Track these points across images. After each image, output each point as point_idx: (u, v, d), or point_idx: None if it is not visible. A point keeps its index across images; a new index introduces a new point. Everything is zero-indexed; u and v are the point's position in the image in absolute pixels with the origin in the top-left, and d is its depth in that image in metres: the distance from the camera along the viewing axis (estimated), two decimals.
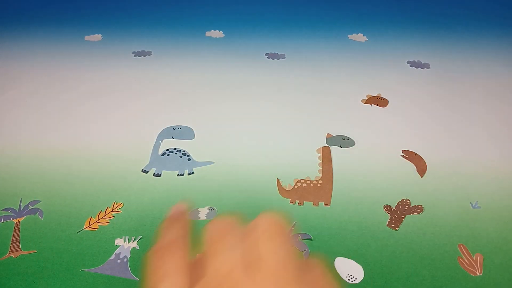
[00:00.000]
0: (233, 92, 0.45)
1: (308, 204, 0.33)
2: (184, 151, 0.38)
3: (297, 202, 0.33)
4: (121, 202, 0.33)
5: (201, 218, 0.32)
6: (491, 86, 0.46)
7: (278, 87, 0.45)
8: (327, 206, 0.33)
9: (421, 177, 0.35)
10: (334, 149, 0.38)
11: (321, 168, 0.36)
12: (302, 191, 0.34)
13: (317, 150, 0.37)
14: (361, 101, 0.43)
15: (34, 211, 0.32)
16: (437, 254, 0.30)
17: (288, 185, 0.35)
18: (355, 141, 0.38)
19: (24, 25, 0.56)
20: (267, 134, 0.40)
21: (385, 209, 0.33)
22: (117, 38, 0.54)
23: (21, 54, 0.51)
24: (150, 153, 0.38)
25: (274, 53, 0.51)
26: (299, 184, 0.35)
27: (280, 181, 0.35)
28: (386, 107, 0.43)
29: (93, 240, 0.30)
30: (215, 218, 0.20)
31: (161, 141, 0.39)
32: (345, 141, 0.38)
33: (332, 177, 0.35)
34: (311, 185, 0.34)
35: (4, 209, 0.33)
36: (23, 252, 0.30)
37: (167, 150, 0.38)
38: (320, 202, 0.33)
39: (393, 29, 0.55)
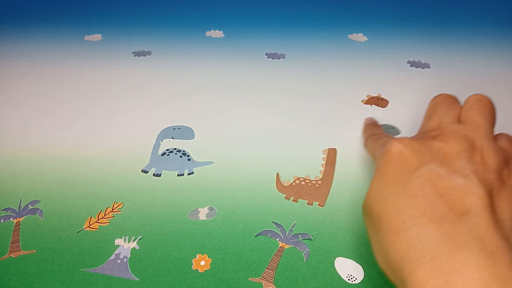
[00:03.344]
0: (233, 92, 0.45)
1: (305, 203, 0.33)
2: (184, 151, 0.38)
3: (292, 198, 0.33)
4: (121, 202, 0.33)
5: (201, 218, 0.32)
6: (491, 86, 0.46)
7: (278, 87, 0.45)
8: (321, 207, 0.33)
9: None
10: (338, 150, 0.38)
11: (323, 169, 0.36)
12: (298, 189, 0.34)
13: (323, 151, 0.37)
14: (361, 101, 0.43)
15: (34, 211, 0.33)
16: None
17: (286, 180, 0.35)
18: (400, 130, 0.39)
19: (23, 25, 0.56)
20: (267, 134, 0.40)
21: None
22: (117, 38, 0.54)
23: (20, 54, 0.51)
24: (150, 153, 0.38)
25: (274, 53, 0.51)
26: (297, 181, 0.35)
27: (279, 176, 0.35)
28: (386, 107, 0.43)
29: (93, 240, 0.30)
30: (441, 94, 0.30)
31: (161, 141, 0.39)
32: (390, 130, 0.38)
33: (331, 180, 0.35)
34: (309, 184, 0.35)
35: (4, 209, 0.33)
36: (23, 252, 0.30)
37: (167, 150, 0.38)
38: (314, 202, 0.33)
39: (393, 29, 0.55)
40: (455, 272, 0.18)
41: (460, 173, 0.21)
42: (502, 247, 0.18)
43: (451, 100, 0.28)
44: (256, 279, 0.28)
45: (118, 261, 0.29)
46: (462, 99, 0.47)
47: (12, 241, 0.30)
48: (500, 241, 0.18)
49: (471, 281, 0.17)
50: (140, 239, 0.31)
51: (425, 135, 0.25)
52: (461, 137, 0.23)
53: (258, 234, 0.31)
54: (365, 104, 0.43)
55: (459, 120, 0.26)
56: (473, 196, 0.20)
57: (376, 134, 0.33)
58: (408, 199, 0.21)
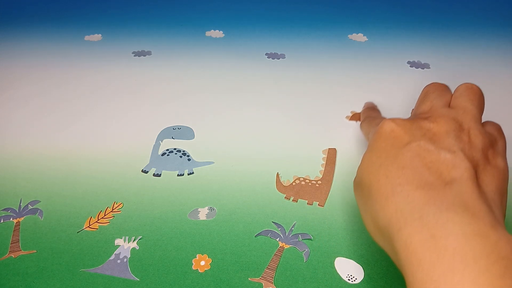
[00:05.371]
0: (233, 92, 0.45)
1: (305, 203, 0.33)
2: (184, 151, 0.38)
3: (292, 198, 0.33)
4: (121, 202, 0.33)
5: (201, 218, 0.32)
6: (491, 86, 0.46)
7: (278, 87, 0.45)
8: (321, 207, 0.33)
9: None
10: (338, 150, 0.38)
11: (323, 169, 0.36)
12: (298, 189, 0.34)
13: (323, 151, 0.37)
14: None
15: (34, 211, 0.33)
16: None
17: (286, 180, 0.35)
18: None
19: (23, 25, 0.56)
20: (267, 134, 0.40)
21: None
22: (117, 38, 0.54)
23: (20, 53, 0.51)
24: (150, 153, 0.38)
25: (274, 53, 0.51)
26: (297, 181, 0.35)
27: (279, 176, 0.35)
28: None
29: (93, 240, 0.31)
30: (433, 82, 0.30)
31: (161, 141, 0.39)
32: None
33: (331, 180, 0.35)
34: (310, 184, 0.35)
35: (4, 209, 0.33)
36: (23, 252, 0.30)
37: (167, 150, 0.38)
38: (314, 202, 0.33)
39: (393, 29, 0.55)
40: (440, 228, 0.19)
41: (448, 149, 0.22)
42: (484, 210, 0.19)
43: (443, 87, 0.29)
44: (256, 279, 0.28)
45: (118, 261, 0.29)
46: None
47: (12, 241, 0.30)
48: (482, 206, 0.20)
49: (454, 235, 0.18)
50: (140, 239, 0.31)
51: (416, 116, 0.26)
52: (450, 119, 0.24)
53: (258, 234, 0.31)
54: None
55: (449, 106, 0.27)
56: (459, 168, 0.21)
57: (373, 116, 0.34)
58: (398, 170, 0.22)
